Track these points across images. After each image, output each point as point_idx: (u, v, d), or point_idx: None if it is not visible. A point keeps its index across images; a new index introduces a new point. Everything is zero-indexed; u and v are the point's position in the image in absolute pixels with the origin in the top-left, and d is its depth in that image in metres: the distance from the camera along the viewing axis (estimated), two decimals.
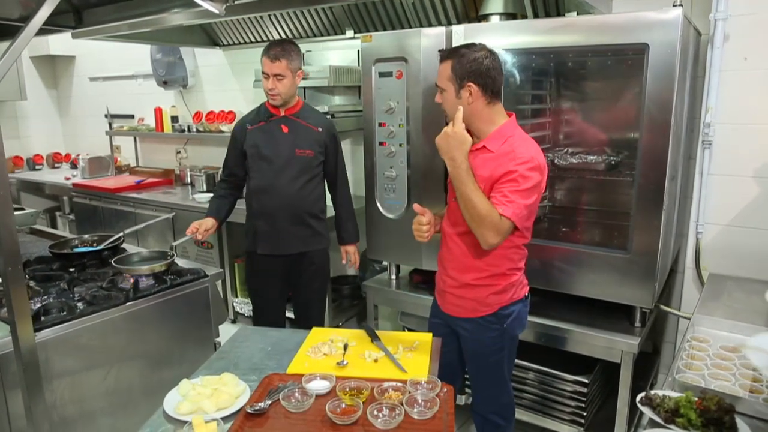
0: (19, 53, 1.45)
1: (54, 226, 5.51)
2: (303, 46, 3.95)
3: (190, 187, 4.78)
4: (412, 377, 1.58)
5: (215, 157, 4.69)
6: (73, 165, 5.85)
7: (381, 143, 2.63)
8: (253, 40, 3.96)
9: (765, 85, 2.34)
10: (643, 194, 2.10)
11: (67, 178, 5.31)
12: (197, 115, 4.78)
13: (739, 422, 1.24)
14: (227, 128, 4.25)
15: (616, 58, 2.44)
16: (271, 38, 3.77)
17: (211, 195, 2.88)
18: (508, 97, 2.56)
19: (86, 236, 2.69)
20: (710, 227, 2.55)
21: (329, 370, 1.65)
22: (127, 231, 2.63)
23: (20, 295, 1.46)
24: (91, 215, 4.84)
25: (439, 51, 1.93)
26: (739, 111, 2.41)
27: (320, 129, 2.62)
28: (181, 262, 2.45)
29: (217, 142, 4.64)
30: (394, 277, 2.90)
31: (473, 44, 1.84)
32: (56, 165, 6.16)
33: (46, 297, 2.04)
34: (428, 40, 2.40)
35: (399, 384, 1.53)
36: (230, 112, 4.45)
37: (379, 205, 2.72)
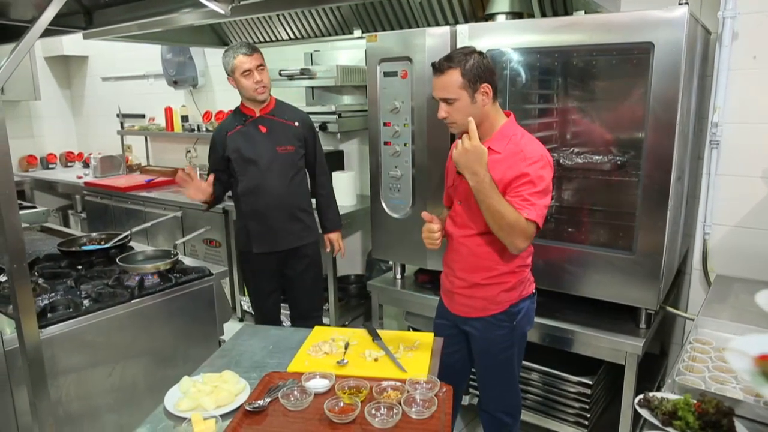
0: (24, 54, 1.47)
1: (66, 224, 5.59)
2: (311, 46, 3.99)
3: None
4: (412, 377, 1.58)
5: None
6: (86, 164, 5.93)
7: (386, 143, 2.64)
8: (262, 39, 3.97)
9: None
10: (648, 194, 2.08)
11: (79, 177, 5.38)
12: (207, 115, 4.82)
13: (739, 425, 1.23)
14: None
15: (622, 57, 2.41)
16: (279, 38, 3.79)
17: None
18: (513, 97, 2.57)
19: (94, 234, 2.73)
20: (718, 228, 2.52)
21: (329, 368, 1.66)
22: (134, 229, 2.67)
23: (25, 292, 1.48)
24: (103, 213, 4.90)
25: (432, 64, 1.81)
26: (748, 110, 2.38)
27: (297, 123, 2.66)
28: (187, 261, 2.48)
29: None
30: (399, 276, 2.90)
31: (463, 48, 1.82)
32: (69, 164, 6.25)
33: (53, 294, 2.07)
34: (433, 39, 2.40)
35: (398, 383, 1.53)
36: None
37: (384, 204, 2.72)
